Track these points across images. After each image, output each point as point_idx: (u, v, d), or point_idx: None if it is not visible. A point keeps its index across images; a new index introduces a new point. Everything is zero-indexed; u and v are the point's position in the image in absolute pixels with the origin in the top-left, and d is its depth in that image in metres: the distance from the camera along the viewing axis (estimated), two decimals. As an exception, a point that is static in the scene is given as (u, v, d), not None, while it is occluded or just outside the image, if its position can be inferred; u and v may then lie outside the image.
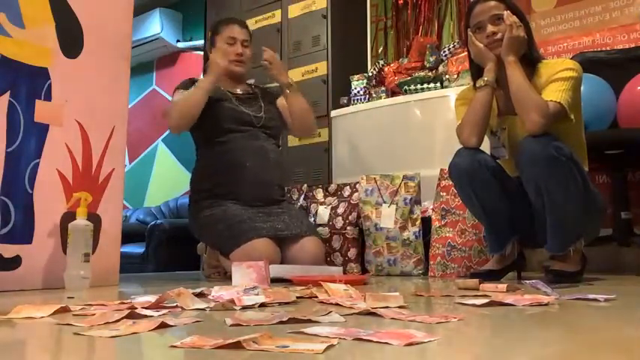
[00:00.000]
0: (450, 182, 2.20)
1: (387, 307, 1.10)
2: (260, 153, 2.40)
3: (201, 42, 4.66)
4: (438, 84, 3.18)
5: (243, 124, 2.41)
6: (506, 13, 1.92)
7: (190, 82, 2.47)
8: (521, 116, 1.84)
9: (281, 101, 2.58)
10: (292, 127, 2.58)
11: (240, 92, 2.52)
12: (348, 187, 2.86)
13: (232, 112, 2.41)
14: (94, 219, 2.02)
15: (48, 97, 1.99)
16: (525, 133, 1.81)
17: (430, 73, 3.26)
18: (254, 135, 2.42)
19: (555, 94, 1.81)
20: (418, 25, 3.75)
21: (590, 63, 2.51)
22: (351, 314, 1.05)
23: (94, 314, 1.05)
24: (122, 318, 0.98)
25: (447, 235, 2.42)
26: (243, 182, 2.34)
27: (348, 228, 2.71)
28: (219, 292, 1.35)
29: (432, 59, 3.34)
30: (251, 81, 2.70)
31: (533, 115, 1.78)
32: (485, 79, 1.95)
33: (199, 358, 0.70)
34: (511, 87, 1.87)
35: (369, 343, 0.75)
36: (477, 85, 1.97)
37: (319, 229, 2.72)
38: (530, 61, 1.95)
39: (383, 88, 3.39)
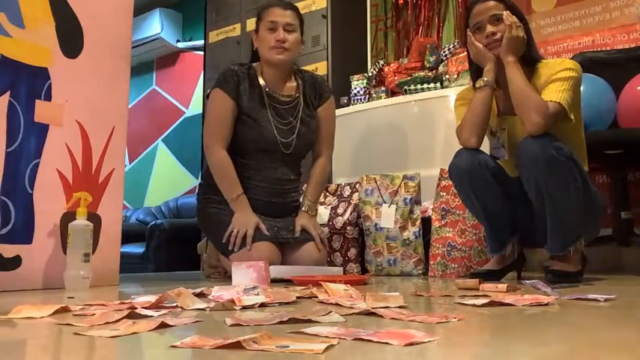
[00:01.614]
0: (450, 182, 2.20)
1: (387, 307, 1.10)
2: (279, 184, 2.34)
3: (201, 42, 4.66)
4: (438, 84, 3.18)
5: (271, 152, 2.31)
6: (505, 14, 1.92)
7: (232, 75, 2.28)
8: (520, 117, 1.84)
9: (322, 111, 2.46)
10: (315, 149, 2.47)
11: (282, 98, 2.35)
12: (348, 187, 2.86)
13: (263, 139, 2.28)
14: (94, 219, 2.02)
15: (48, 97, 1.99)
16: (525, 133, 1.81)
17: (430, 73, 3.26)
18: (278, 160, 2.33)
19: (555, 94, 1.81)
20: (418, 25, 3.75)
21: (590, 63, 2.51)
22: (351, 314, 1.05)
23: (94, 314, 1.05)
24: (122, 318, 0.98)
25: (447, 235, 2.42)
26: (255, 200, 2.29)
27: (348, 228, 2.71)
28: (219, 292, 1.35)
29: (432, 59, 3.35)
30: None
31: (533, 116, 1.78)
32: (485, 79, 1.95)
33: (199, 358, 0.70)
34: (510, 87, 1.87)
35: (369, 343, 0.75)
36: (477, 86, 1.97)
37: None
38: (529, 61, 1.95)
39: (383, 88, 3.39)
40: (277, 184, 2.34)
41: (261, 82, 2.33)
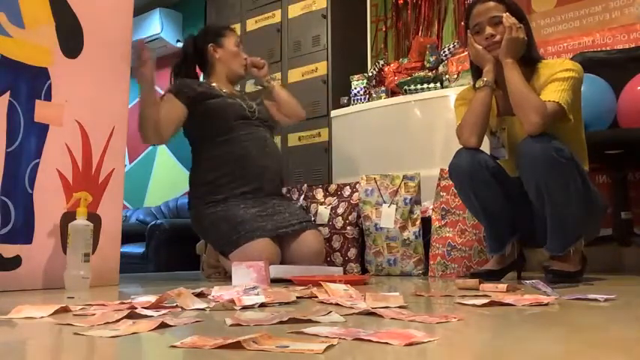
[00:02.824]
0: (450, 182, 2.20)
1: (387, 307, 1.11)
2: (262, 142, 2.46)
3: (201, 42, 4.65)
4: (438, 84, 3.18)
5: (243, 118, 2.45)
6: (505, 15, 1.91)
7: (189, 85, 2.46)
8: (519, 117, 1.84)
9: (265, 101, 2.68)
10: (281, 115, 2.68)
11: (232, 92, 2.59)
12: (348, 187, 2.86)
13: (231, 107, 2.45)
14: (94, 219, 2.02)
15: (48, 97, 1.99)
16: (525, 133, 1.81)
17: (430, 73, 3.26)
18: (254, 124, 2.47)
19: (554, 94, 1.81)
20: (418, 25, 3.75)
21: (590, 63, 2.51)
22: (351, 314, 1.05)
23: (94, 314, 1.05)
24: (122, 318, 0.98)
25: (447, 235, 2.42)
26: (248, 170, 2.37)
27: (348, 228, 2.71)
28: (219, 292, 1.35)
29: (432, 59, 3.35)
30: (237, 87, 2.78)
31: (531, 116, 1.78)
32: (484, 80, 1.95)
33: (199, 358, 0.70)
34: (509, 88, 1.87)
35: (369, 343, 0.75)
36: (476, 86, 1.97)
37: (319, 229, 2.73)
38: (529, 61, 1.95)
39: (383, 88, 3.39)
40: (263, 146, 2.44)
41: (215, 85, 2.54)
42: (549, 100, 1.80)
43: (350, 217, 2.73)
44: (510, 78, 1.87)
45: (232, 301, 1.21)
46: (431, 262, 2.47)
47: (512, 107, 1.87)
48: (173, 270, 3.61)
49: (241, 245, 2.20)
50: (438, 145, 2.96)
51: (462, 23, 3.53)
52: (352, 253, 2.70)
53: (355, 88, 3.48)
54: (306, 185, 2.97)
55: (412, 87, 3.23)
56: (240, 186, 2.35)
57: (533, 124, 1.77)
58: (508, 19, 1.90)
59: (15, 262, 1.86)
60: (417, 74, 3.27)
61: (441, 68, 3.25)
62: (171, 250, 4.08)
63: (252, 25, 4.00)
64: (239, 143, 2.40)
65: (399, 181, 2.67)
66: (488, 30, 1.94)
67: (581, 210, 1.80)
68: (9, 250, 1.85)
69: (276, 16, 3.89)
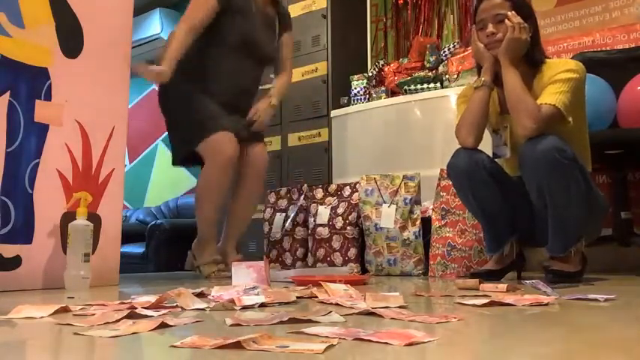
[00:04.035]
0: (450, 182, 2.20)
1: (387, 307, 1.11)
2: (251, 74, 2.56)
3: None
4: (438, 84, 3.18)
5: (251, 49, 2.49)
6: (509, 14, 1.89)
7: None
8: (514, 120, 1.85)
9: (284, 38, 2.70)
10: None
11: (267, 12, 2.61)
12: (348, 187, 2.86)
13: (250, 33, 2.49)
14: (94, 219, 2.02)
15: (48, 97, 1.99)
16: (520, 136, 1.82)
17: (430, 73, 3.26)
18: (255, 60, 2.53)
19: (552, 96, 1.80)
20: (418, 25, 3.75)
21: (590, 63, 2.50)
22: (351, 314, 1.05)
23: (94, 314, 1.06)
24: (122, 318, 0.98)
25: (447, 235, 2.42)
26: (231, 86, 2.47)
27: (348, 228, 2.71)
28: (219, 292, 1.35)
29: (432, 59, 3.34)
30: None
31: (524, 121, 1.78)
32: (482, 79, 1.95)
33: (199, 358, 0.70)
34: (505, 90, 1.87)
35: (369, 343, 0.75)
36: (474, 86, 1.97)
37: (319, 229, 2.73)
38: (533, 61, 1.94)
39: (383, 88, 3.39)
40: (246, 89, 2.55)
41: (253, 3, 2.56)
42: (546, 103, 1.79)
43: (350, 217, 2.73)
44: (507, 79, 1.87)
45: (232, 301, 1.21)
46: (431, 262, 2.47)
47: (509, 109, 1.87)
48: (173, 270, 3.61)
49: (206, 137, 2.33)
50: (438, 145, 2.96)
51: (463, 23, 3.53)
52: (352, 253, 2.70)
53: (355, 88, 3.48)
54: (306, 185, 2.97)
55: (412, 87, 3.23)
56: (218, 94, 2.44)
57: (526, 129, 1.78)
58: (512, 17, 1.88)
59: (15, 262, 1.86)
60: (417, 74, 3.27)
61: (441, 68, 3.25)
62: (171, 250, 4.07)
63: (252, 25, 3.99)
64: (233, 64, 2.47)
65: (399, 181, 2.67)
66: (490, 28, 1.94)
67: (582, 211, 1.80)
68: (9, 250, 1.85)
69: (276, 16, 3.89)
